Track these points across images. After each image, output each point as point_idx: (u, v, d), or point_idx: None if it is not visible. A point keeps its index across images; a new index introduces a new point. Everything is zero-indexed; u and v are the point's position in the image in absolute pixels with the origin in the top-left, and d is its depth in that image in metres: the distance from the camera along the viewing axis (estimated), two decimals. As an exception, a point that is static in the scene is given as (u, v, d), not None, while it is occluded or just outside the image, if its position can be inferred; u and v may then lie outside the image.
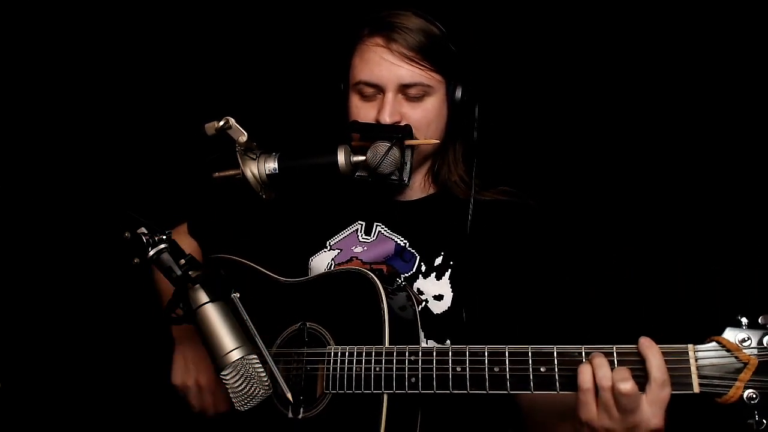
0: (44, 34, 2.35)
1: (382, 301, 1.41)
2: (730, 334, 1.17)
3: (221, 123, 1.45)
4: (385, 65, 1.56)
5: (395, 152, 1.51)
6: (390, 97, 1.56)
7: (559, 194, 2.04)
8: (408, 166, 1.56)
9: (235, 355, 1.23)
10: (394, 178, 1.55)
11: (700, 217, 2.09)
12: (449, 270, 1.61)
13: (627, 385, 1.16)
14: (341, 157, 1.51)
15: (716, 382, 1.16)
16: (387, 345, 1.39)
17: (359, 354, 1.40)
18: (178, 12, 2.38)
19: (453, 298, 1.59)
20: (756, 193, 2.05)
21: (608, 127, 2.18)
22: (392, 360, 1.36)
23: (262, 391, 1.26)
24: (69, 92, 2.36)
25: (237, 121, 1.45)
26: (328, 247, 1.71)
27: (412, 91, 1.58)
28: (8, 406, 2.15)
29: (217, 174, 1.55)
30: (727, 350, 1.16)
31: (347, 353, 1.41)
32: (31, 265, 2.36)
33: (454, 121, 1.65)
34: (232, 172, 1.53)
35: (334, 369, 1.41)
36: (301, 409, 1.45)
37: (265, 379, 1.26)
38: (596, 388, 1.20)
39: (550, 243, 1.66)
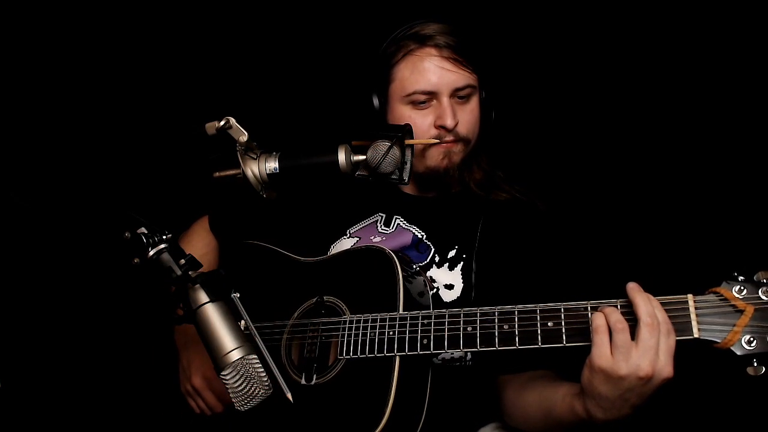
0: (44, 34, 2.34)
1: (398, 272, 1.47)
2: (727, 287, 1.22)
3: (222, 123, 1.45)
4: (440, 72, 1.63)
5: (395, 152, 1.53)
6: (446, 101, 1.64)
7: (570, 193, 2.10)
8: (408, 165, 1.58)
9: (235, 355, 1.23)
10: (394, 177, 1.57)
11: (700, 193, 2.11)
12: (461, 263, 1.68)
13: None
14: (341, 157, 1.52)
15: (715, 327, 1.21)
16: (401, 312, 1.43)
17: (374, 321, 1.44)
18: (178, 12, 2.38)
19: (463, 289, 1.66)
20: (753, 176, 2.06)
21: (622, 124, 2.20)
22: (406, 324, 1.41)
23: (262, 391, 1.26)
24: (69, 93, 2.36)
25: (237, 121, 1.46)
26: (348, 235, 1.78)
27: (463, 93, 1.66)
28: (8, 406, 2.15)
29: (217, 174, 1.56)
30: (725, 299, 1.21)
31: (362, 320, 1.45)
32: (31, 265, 2.36)
33: (483, 120, 1.74)
34: (232, 172, 1.53)
35: (349, 335, 1.45)
36: (314, 376, 1.49)
37: (265, 378, 1.26)
38: (610, 333, 1.22)
39: (554, 243, 1.73)
